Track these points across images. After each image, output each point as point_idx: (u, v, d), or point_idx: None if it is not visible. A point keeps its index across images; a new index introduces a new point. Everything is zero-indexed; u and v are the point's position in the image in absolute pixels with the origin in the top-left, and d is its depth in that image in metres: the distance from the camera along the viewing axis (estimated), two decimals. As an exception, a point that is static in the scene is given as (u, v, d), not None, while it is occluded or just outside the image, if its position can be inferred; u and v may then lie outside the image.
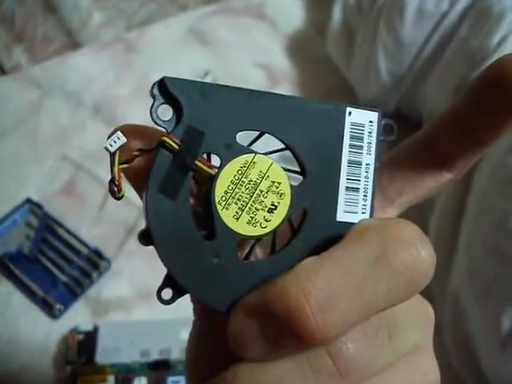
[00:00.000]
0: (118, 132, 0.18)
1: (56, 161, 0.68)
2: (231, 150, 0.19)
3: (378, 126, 0.20)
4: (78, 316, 0.57)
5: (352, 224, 0.19)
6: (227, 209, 0.19)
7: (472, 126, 0.20)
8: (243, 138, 0.19)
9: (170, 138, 0.18)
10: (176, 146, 0.18)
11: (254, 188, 0.19)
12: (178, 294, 0.19)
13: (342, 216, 0.20)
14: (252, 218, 0.19)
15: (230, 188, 0.19)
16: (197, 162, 0.18)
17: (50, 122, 0.72)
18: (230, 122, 0.19)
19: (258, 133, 0.20)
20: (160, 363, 0.52)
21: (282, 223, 0.19)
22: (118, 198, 0.19)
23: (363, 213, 0.20)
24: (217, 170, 0.19)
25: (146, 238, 0.18)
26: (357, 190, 0.20)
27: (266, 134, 0.20)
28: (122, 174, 0.19)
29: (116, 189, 0.19)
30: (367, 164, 0.20)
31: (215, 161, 0.19)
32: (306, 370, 0.17)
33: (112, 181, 0.18)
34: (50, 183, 0.66)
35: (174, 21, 0.83)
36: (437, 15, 0.59)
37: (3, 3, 0.82)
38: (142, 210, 0.19)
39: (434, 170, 0.21)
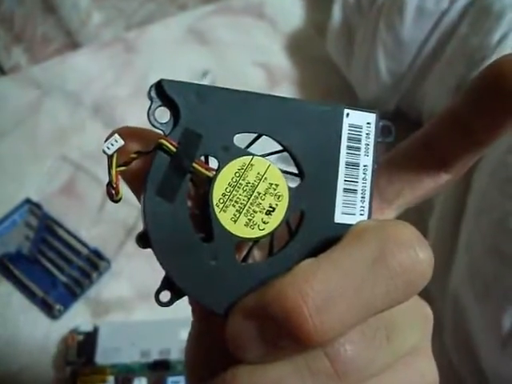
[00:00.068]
0: (116, 135, 0.18)
1: (55, 161, 0.68)
2: (229, 153, 0.19)
3: (376, 127, 0.20)
4: (78, 316, 0.57)
5: (350, 226, 0.19)
6: (225, 211, 0.19)
7: (471, 126, 0.20)
8: (241, 140, 0.19)
9: (167, 141, 0.18)
10: (173, 149, 0.18)
11: (251, 190, 0.19)
12: (176, 296, 0.19)
13: (339, 218, 0.20)
14: (250, 220, 0.19)
15: (228, 190, 0.19)
16: (194, 165, 0.18)
17: (50, 122, 0.72)
18: (227, 124, 0.19)
19: (255, 135, 0.20)
20: (160, 363, 0.52)
21: (279, 225, 0.19)
22: (116, 201, 0.19)
23: (361, 214, 0.20)
24: (214, 173, 0.19)
25: (143, 240, 0.18)
26: (355, 191, 0.20)
27: (264, 136, 0.20)
28: (119, 177, 0.19)
29: (113, 191, 0.19)
30: (365, 165, 0.20)
31: (213, 163, 0.19)
32: (304, 372, 0.17)
33: (109, 183, 0.19)
34: (49, 183, 0.66)
35: (174, 20, 0.83)
36: (437, 13, 0.58)
37: (2, 3, 0.82)
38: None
39: (432, 170, 0.21)
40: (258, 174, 0.19)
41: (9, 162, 0.69)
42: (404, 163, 0.21)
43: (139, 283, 0.58)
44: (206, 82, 0.73)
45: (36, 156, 0.68)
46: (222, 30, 0.81)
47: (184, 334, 0.21)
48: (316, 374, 0.17)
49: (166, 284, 0.18)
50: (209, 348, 0.21)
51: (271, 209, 0.19)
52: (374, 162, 0.20)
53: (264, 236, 0.19)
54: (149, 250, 0.18)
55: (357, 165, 0.20)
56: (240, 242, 0.19)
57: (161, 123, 0.18)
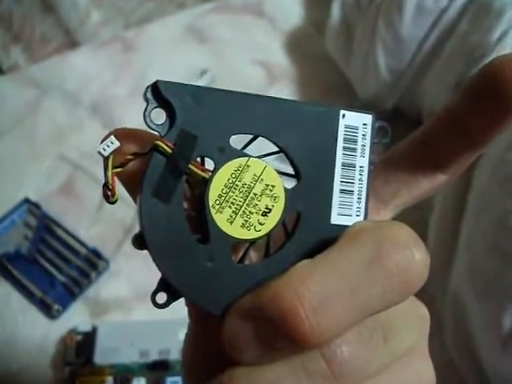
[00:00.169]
0: (112, 136, 0.18)
1: (54, 160, 0.67)
2: (225, 154, 0.19)
3: (372, 128, 0.20)
4: (77, 316, 0.57)
5: (346, 227, 0.19)
6: (221, 212, 0.19)
7: (467, 125, 0.20)
8: (237, 141, 0.19)
9: (163, 142, 0.18)
10: (169, 150, 0.18)
11: (247, 191, 0.19)
12: (172, 297, 0.19)
13: (336, 219, 0.20)
14: (246, 221, 0.19)
15: (224, 191, 0.19)
16: (190, 166, 0.19)
17: (48, 121, 0.71)
18: (223, 125, 0.19)
19: (251, 136, 0.20)
20: (159, 364, 0.52)
21: (276, 226, 0.19)
22: (112, 203, 0.19)
23: (357, 215, 0.20)
24: (210, 174, 0.19)
25: (139, 241, 0.18)
26: (351, 192, 0.20)
27: (260, 137, 0.20)
28: (115, 178, 0.19)
29: (110, 193, 0.19)
30: (361, 166, 0.20)
31: (209, 164, 0.19)
32: (300, 373, 0.17)
33: (106, 185, 0.18)
34: (47, 183, 0.66)
35: (172, 19, 0.83)
36: (436, 11, 0.58)
37: (1, 3, 0.82)
38: (140, 210, 0.19)
39: (429, 171, 0.21)
40: (255, 175, 0.19)
41: (7, 161, 0.68)
42: (400, 163, 0.21)
43: (138, 283, 0.58)
44: (204, 80, 0.73)
45: (34, 156, 0.68)
46: (221, 29, 0.81)
47: (183, 334, 0.21)
48: (312, 376, 0.17)
49: (163, 285, 0.18)
50: (205, 349, 0.21)
51: (267, 210, 0.19)
52: (370, 163, 0.20)
53: (260, 237, 0.19)
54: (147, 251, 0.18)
55: (353, 166, 0.20)
56: (236, 243, 0.19)
57: (157, 124, 0.18)
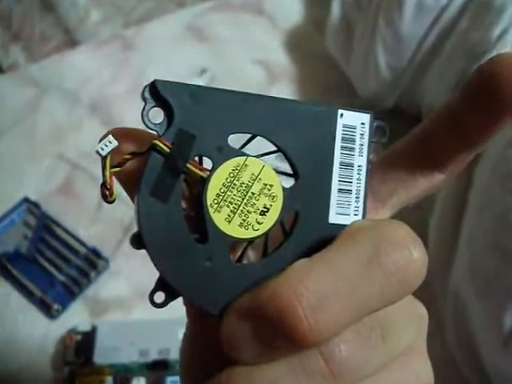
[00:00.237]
0: (110, 136, 0.18)
1: (53, 160, 0.67)
2: (223, 153, 0.19)
3: (370, 128, 0.20)
4: (76, 316, 0.57)
5: (344, 226, 0.19)
6: (219, 211, 0.19)
7: (464, 124, 0.20)
8: (235, 140, 0.19)
9: (161, 142, 0.18)
10: (167, 149, 0.18)
11: (245, 191, 0.19)
12: (170, 297, 0.19)
13: (334, 218, 0.20)
14: (244, 220, 0.19)
15: (222, 191, 0.19)
16: (188, 165, 0.19)
17: (48, 120, 0.71)
18: (221, 124, 0.19)
19: (249, 135, 0.20)
20: (159, 363, 0.52)
21: (274, 226, 0.19)
22: (110, 202, 0.19)
23: (355, 214, 0.20)
24: (208, 173, 0.19)
25: (137, 241, 0.18)
26: (349, 191, 0.20)
27: (258, 137, 0.20)
28: (113, 178, 0.19)
29: (108, 192, 0.19)
30: (359, 166, 0.20)
31: (207, 164, 0.19)
32: (299, 372, 0.17)
33: (103, 185, 0.19)
34: (47, 182, 0.66)
35: (172, 17, 0.82)
36: (436, 9, 0.58)
37: (1, 2, 0.82)
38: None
39: (426, 170, 0.21)
40: (253, 174, 0.19)
41: (7, 160, 0.68)
42: (398, 162, 0.21)
43: (138, 282, 0.58)
44: (204, 79, 0.73)
45: (34, 155, 0.68)
46: (221, 27, 0.81)
47: (183, 334, 0.21)
48: (311, 374, 0.17)
49: (161, 285, 0.18)
50: (203, 349, 0.21)
51: (265, 209, 0.19)
52: (368, 162, 0.20)
53: (258, 236, 0.19)
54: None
55: (351, 165, 0.20)
56: (234, 242, 0.19)
57: (155, 124, 0.18)
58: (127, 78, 0.75)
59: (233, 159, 0.19)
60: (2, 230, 0.61)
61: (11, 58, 0.80)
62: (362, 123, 0.20)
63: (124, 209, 0.59)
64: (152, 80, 0.18)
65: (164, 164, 0.18)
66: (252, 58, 0.77)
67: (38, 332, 0.56)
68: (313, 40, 0.79)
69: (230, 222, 0.19)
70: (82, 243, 0.60)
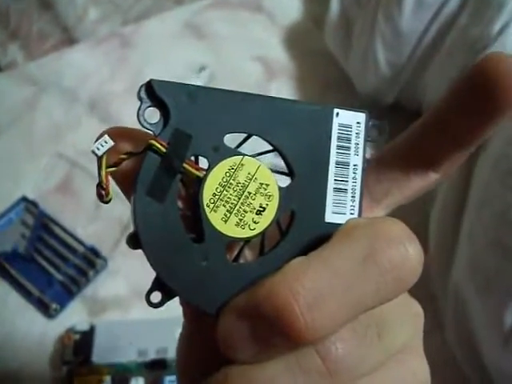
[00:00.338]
0: (106, 135, 0.18)
1: (51, 158, 0.67)
2: (219, 153, 0.19)
3: (366, 127, 0.21)
4: (75, 315, 0.56)
5: (340, 225, 0.19)
6: (215, 211, 0.19)
7: (455, 125, 0.20)
8: (231, 140, 0.19)
9: (157, 141, 0.18)
10: (163, 149, 0.18)
11: (242, 190, 0.19)
12: (167, 297, 0.19)
13: (330, 217, 0.20)
14: (240, 220, 0.19)
15: (218, 190, 0.19)
16: (184, 165, 0.19)
17: (46, 118, 0.71)
18: (217, 124, 0.19)
19: (245, 135, 0.20)
20: (157, 363, 0.51)
21: (270, 225, 0.19)
22: (106, 202, 0.19)
23: (351, 213, 0.20)
24: (205, 173, 0.19)
25: (134, 241, 0.18)
26: (345, 191, 0.20)
27: (254, 136, 0.20)
28: (109, 178, 0.19)
29: (103, 192, 0.19)
30: (355, 165, 0.20)
31: (203, 163, 0.19)
32: (296, 371, 0.17)
33: (99, 184, 0.19)
34: (45, 181, 0.65)
35: (170, 15, 0.82)
36: (436, 4, 0.58)
37: (-2, 0, 0.82)
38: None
39: (420, 169, 0.21)
40: (249, 173, 0.19)
41: (5, 159, 0.68)
42: (392, 162, 0.21)
43: (136, 281, 0.57)
44: (203, 76, 0.73)
45: (32, 153, 0.68)
46: (219, 24, 0.80)
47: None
48: (307, 373, 0.17)
49: (157, 285, 0.18)
50: (200, 348, 0.21)
51: (262, 209, 0.19)
52: (364, 161, 0.21)
53: (255, 236, 0.19)
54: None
55: (347, 164, 0.20)
56: (231, 242, 0.19)
57: (151, 124, 0.19)
58: (125, 75, 0.74)
59: (229, 159, 0.19)
60: (0, 229, 0.61)
61: (9, 57, 0.80)
62: (358, 122, 0.20)
63: (122, 207, 0.59)
64: (148, 79, 0.18)
65: (160, 164, 0.18)
66: (251, 55, 0.77)
67: (36, 331, 0.56)
68: (312, 36, 0.78)
69: (226, 221, 0.19)
70: (81, 242, 0.60)
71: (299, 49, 0.78)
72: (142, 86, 0.18)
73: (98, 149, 0.18)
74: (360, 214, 0.20)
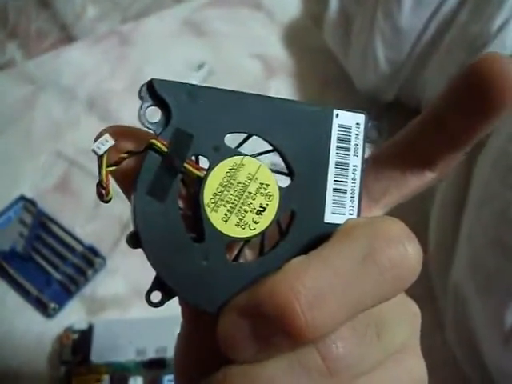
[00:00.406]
0: (106, 134, 0.19)
1: (50, 157, 0.67)
2: (220, 153, 0.19)
3: (365, 128, 0.21)
4: (73, 314, 0.56)
5: (339, 225, 0.19)
6: (216, 211, 0.19)
7: (450, 125, 0.20)
8: (231, 140, 0.19)
9: (158, 141, 0.18)
10: (164, 149, 0.18)
11: (242, 190, 0.19)
12: (167, 296, 0.19)
13: (329, 217, 0.20)
14: (241, 219, 0.19)
15: (219, 190, 0.19)
16: (185, 165, 0.19)
17: (45, 117, 0.71)
18: (218, 124, 0.19)
19: (246, 135, 0.20)
20: (156, 362, 0.51)
21: (270, 225, 0.20)
22: (106, 201, 0.19)
23: (350, 214, 0.21)
24: (205, 173, 0.19)
25: (134, 240, 0.18)
26: (344, 191, 0.20)
27: (255, 136, 0.20)
28: (109, 177, 0.19)
29: (104, 192, 0.19)
30: (354, 166, 0.21)
31: (204, 163, 0.19)
32: (296, 369, 0.17)
33: (99, 184, 0.19)
34: (44, 180, 0.65)
35: (169, 13, 0.82)
36: (435, 1, 0.57)
37: (-4, -1, 0.81)
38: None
39: (417, 169, 0.21)
40: (249, 174, 0.19)
41: (3, 157, 0.68)
42: (389, 161, 0.21)
43: (135, 280, 0.57)
44: (202, 74, 0.73)
45: (31, 152, 0.68)
46: (218, 22, 0.80)
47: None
48: (308, 372, 0.17)
49: (157, 284, 0.19)
50: (198, 348, 0.21)
51: (262, 209, 0.19)
52: (363, 162, 0.21)
53: (255, 236, 0.19)
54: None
55: (346, 165, 0.21)
56: (231, 241, 0.19)
57: (152, 123, 0.19)
58: (124, 74, 0.74)
59: (229, 159, 0.19)
60: (-1, 228, 0.61)
61: (8, 55, 0.80)
62: (357, 123, 0.21)
63: (122, 206, 0.58)
64: (149, 79, 0.18)
65: (161, 163, 0.18)
66: (250, 53, 0.76)
67: (35, 331, 0.55)
68: (311, 34, 0.78)
69: (226, 221, 0.19)
70: (79, 241, 0.60)
71: (298, 46, 0.78)
72: (143, 86, 0.18)
73: (99, 148, 0.18)
74: (359, 215, 0.21)
